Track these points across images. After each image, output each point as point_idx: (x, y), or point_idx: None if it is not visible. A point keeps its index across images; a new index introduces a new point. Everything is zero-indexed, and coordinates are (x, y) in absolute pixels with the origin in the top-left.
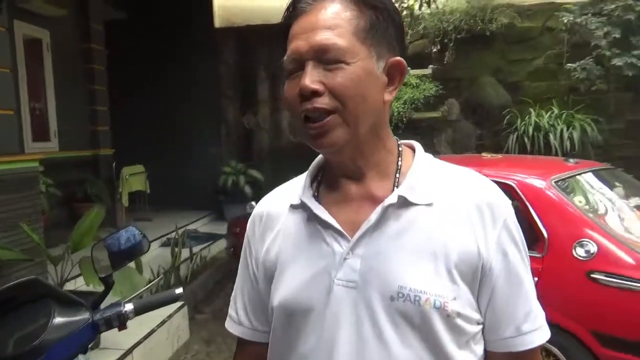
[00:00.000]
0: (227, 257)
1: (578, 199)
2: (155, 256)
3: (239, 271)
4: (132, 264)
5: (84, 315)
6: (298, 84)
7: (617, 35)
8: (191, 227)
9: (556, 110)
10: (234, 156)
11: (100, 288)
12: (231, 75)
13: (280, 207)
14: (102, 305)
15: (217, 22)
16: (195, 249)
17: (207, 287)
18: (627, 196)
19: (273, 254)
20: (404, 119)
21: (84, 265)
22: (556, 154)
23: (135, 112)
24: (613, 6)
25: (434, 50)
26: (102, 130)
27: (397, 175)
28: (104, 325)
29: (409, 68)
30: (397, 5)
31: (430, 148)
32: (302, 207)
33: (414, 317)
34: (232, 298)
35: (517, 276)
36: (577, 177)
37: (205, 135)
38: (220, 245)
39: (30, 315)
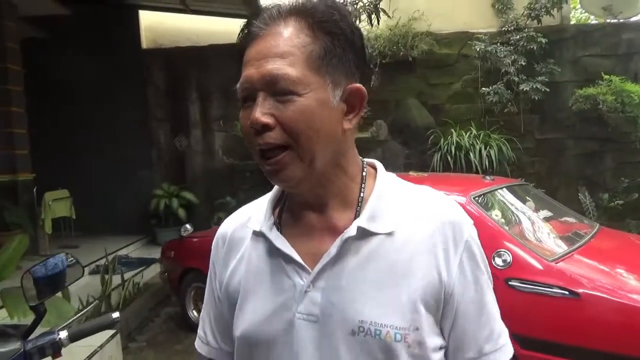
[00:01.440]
0: (161, 282)
1: (495, 213)
2: (84, 285)
3: (205, 293)
4: (59, 294)
5: (14, 345)
6: (250, 115)
7: (523, 63)
8: (122, 252)
9: (475, 131)
10: (166, 179)
11: (26, 320)
12: (161, 96)
13: (243, 231)
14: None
15: (145, 44)
16: (127, 275)
17: (141, 314)
18: (537, 209)
19: (236, 280)
20: None
21: (7, 297)
22: (476, 171)
23: (59, 135)
24: (518, 37)
25: None
26: (20, 154)
27: (359, 205)
28: (37, 354)
29: None
30: None
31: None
32: (263, 236)
33: (375, 350)
34: (200, 318)
35: (479, 299)
36: (494, 192)
37: (135, 158)
38: (154, 270)
39: None
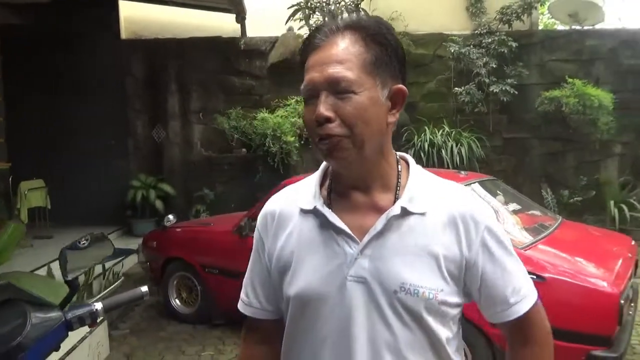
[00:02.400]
0: (143, 271)
1: None
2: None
3: (251, 262)
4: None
5: (57, 315)
6: (314, 111)
7: (494, 65)
8: None
9: (447, 129)
10: (143, 170)
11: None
12: (139, 87)
13: (290, 208)
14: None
15: (124, 34)
16: (107, 265)
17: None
18: (506, 203)
19: (288, 251)
20: None
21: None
22: (448, 168)
23: (34, 123)
24: (490, 40)
25: None
26: None
27: (398, 188)
28: (77, 323)
29: None
30: (307, 29)
31: None
32: (314, 212)
33: (412, 306)
34: (243, 285)
35: (503, 265)
36: (467, 187)
37: (112, 149)
38: (132, 260)
39: (4, 318)
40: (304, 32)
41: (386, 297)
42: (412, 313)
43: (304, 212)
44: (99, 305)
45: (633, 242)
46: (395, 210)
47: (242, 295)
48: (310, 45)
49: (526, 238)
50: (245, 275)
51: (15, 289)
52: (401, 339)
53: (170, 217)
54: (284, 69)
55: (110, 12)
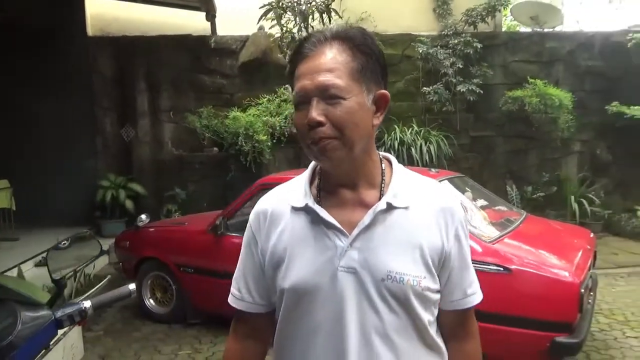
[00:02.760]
0: (116, 272)
1: None
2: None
3: (242, 258)
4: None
5: (47, 314)
6: (305, 115)
7: (461, 66)
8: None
9: (416, 127)
10: (112, 169)
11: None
12: (107, 85)
13: (282, 207)
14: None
15: (91, 31)
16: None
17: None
18: (474, 199)
19: (281, 247)
20: (286, 133)
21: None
22: (418, 166)
23: None
24: (456, 41)
25: None
26: None
27: (383, 185)
28: (67, 321)
29: (287, 85)
30: (278, 28)
31: (309, 160)
32: (305, 209)
33: (398, 292)
34: (234, 280)
35: (465, 258)
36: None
37: (79, 148)
38: (103, 261)
39: None
40: (276, 31)
41: (374, 285)
42: (398, 299)
43: (295, 209)
44: (87, 303)
45: (592, 235)
46: (382, 205)
47: (234, 290)
48: (299, 54)
49: (493, 232)
50: (236, 272)
51: (4, 289)
52: (388, 323)
53: (143, 216)
54: (254, 67)
55: (76, 9)
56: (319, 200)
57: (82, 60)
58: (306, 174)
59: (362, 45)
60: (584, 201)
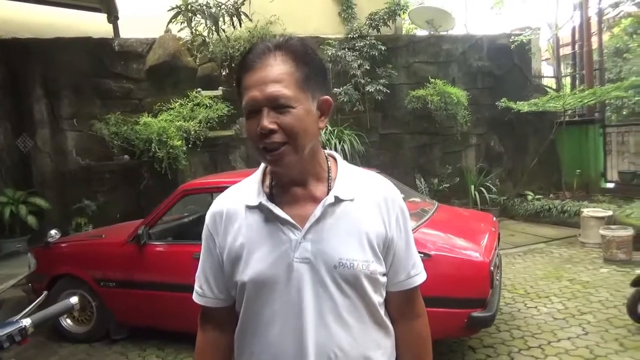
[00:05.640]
0: (24, 294)
1: None
2: None
3: (201, 258)
4: None
5: None
6: (257, 123)
7: (367, 67)
8: None
9: (329, 127)
10: (10, 184)
11: None
12: None
13: (236, 206)
14: None
15: None
16: None
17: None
18: None
19: (238, 243)
20: (201, 137)
21: None
22: None
23: None
24: (362, 43)
25: (223, 73)
26: None
27: (329, 180)
28: (7, 342)
29: (199, 89)
30: (187, 32)
31: (227, 164)
32: (259, 207)
33: (349, 277)
34: (196, 278)
35: (407, 241)
36: None
37: None
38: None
39: None
40: (185, 34)
41: (328, 272)
42: (350, 283)
43: (249, 208)
44: (27, 321)
45: (495, 219)
46: (330, 199)
47: (196, 287)
48: (245, 65)
49: (412, 222)
50: (197, 271)
51: None
52: (342, 306)
53: (53, 232)
54: (164, 71)
55: None
56: (271, 197)
57: None
58: (258, 174)
59: (304, 55)
60: (483, 189)
